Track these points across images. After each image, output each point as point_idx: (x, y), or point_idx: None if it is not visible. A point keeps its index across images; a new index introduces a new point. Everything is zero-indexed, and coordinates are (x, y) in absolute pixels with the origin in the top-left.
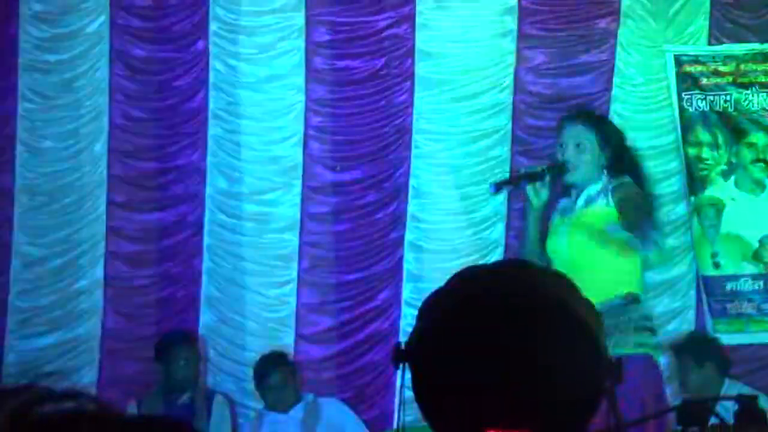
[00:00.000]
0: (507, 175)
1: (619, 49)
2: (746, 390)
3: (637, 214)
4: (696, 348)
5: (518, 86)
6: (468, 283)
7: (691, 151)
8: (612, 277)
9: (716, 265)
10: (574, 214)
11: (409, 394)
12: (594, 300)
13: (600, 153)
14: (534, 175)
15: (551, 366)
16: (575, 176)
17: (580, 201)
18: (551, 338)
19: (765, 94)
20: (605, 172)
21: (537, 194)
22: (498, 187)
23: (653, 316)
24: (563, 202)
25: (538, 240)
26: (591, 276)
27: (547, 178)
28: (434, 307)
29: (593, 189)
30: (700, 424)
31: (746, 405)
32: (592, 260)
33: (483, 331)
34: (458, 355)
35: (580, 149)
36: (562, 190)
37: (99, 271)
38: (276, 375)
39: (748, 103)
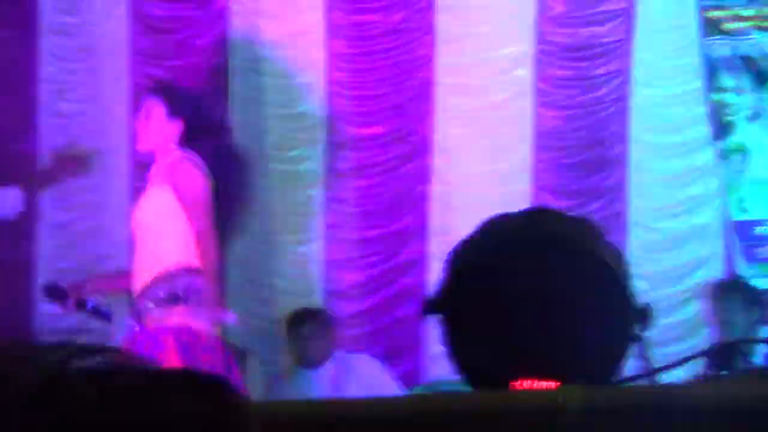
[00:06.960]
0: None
1: None
2: None
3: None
4: (746, 289)
5: (539, 37)
6: (495, 232)
7: (716, 97)
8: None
9: (743, 210)
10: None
11: (440, 348)
12: None
13: (168, 123)
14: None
15: (582, 313)
16: (141, 145)
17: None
18: (581, 286)
19: None
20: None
21: None
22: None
23: None
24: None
25: None
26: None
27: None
28: (462, 257)
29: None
30: (729, 368)
31: None
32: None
33: (512, 280)
34: (487, 304)
35: (150, 119)
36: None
37: (124, 234)
38: (308, 329)
39: None
